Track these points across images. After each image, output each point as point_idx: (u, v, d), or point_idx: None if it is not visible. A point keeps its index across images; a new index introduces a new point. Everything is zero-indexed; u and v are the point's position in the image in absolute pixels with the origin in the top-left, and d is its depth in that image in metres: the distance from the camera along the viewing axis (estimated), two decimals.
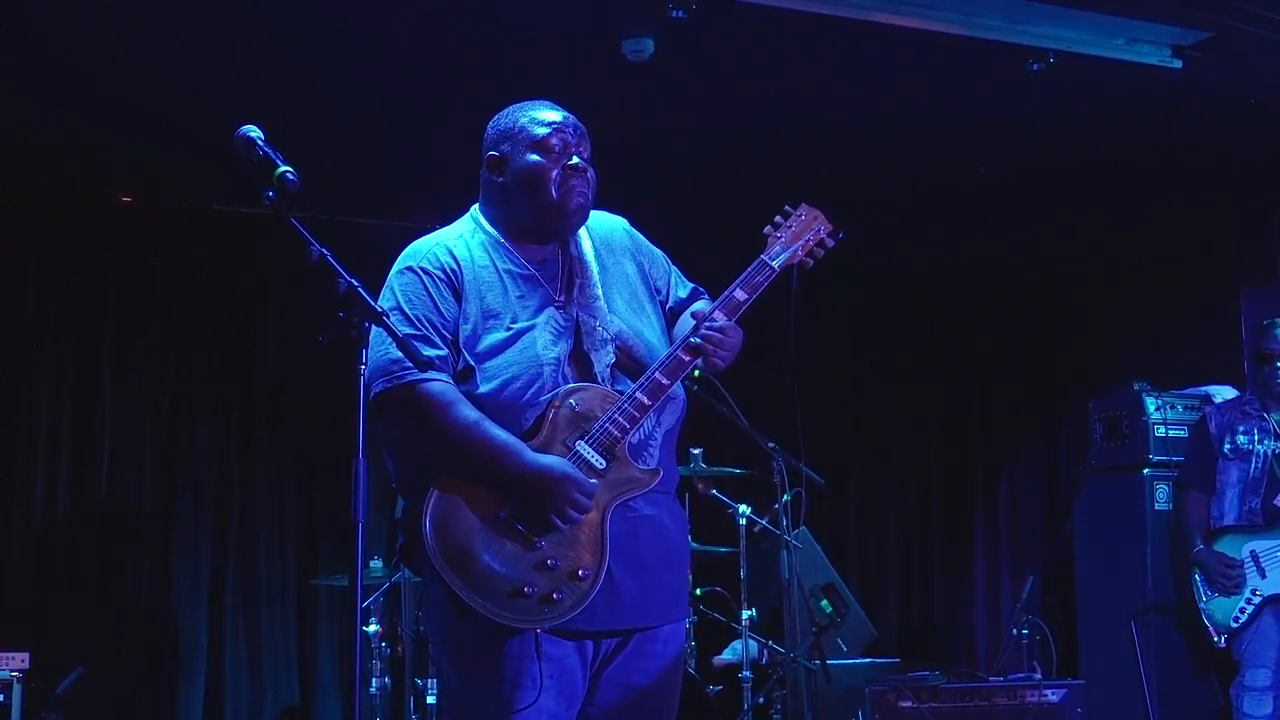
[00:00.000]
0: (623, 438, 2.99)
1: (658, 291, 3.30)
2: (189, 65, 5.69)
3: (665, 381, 3.03)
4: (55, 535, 6.91)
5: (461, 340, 3.01)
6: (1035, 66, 5.63)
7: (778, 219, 3.28)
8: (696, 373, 3.33)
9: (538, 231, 3.15)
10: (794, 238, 3.25)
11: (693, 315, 3.12)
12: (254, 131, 2.88)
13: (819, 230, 3.28)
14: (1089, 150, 6.80)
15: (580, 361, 3.05)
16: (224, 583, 7.20)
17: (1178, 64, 5.74)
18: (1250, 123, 6.39)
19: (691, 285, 3.38)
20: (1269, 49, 5.48)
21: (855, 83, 6.07)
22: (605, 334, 3.09)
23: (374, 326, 2.85)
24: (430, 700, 5.81)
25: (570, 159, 3.12)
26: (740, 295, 3.13)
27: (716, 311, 3.09)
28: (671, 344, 3.14)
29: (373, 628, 6.07)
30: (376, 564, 6.28)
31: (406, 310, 3.02)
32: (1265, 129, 6.44)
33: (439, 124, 6.29)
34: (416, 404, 2.93)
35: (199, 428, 7.27)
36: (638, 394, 3.00)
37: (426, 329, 3.00)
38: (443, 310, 3.03)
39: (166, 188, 7.17)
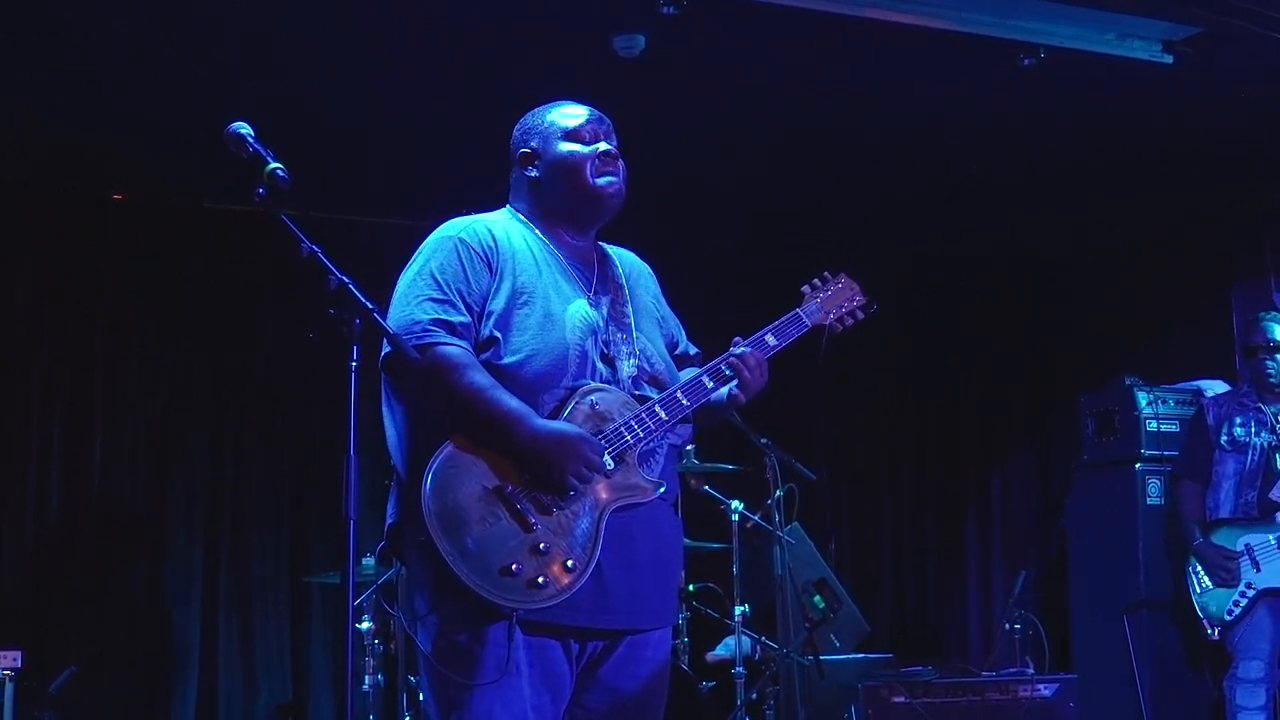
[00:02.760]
0: (635, 445, 3.02)
1: (671, 337, 3.38)
2: (179, 62, 5.68)
3: (685, 402, 3.09)
4: (48, 533, 6.90)
5: (492, 314, 3.03)
6: (1027, 62, 5.64)
7: (816, 281, 3.42)
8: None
9: (574, 219, 3.22)
10: (829, 302, 3.40)
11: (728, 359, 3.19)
12: (244, 128, 2.88)
13: (854, 301, 3.45)
14: (1080, 145, 6.81)
15: (606, 363, 3.08)
16: (217, 581, 7.18)
17: (1168, 59, 5.75)
18: (1241, 117, 6.39)
19: (697, 349, 3.45)
20: (1259, 43, 5.49)
21: (846, 79, 6.07)
22: (631, 347, 3.14)
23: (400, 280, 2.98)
24: (423, 697, 5.80)
25: (602, 146, 3.20)
26: (771, 340, 3.24)
27: (745, 348, 3.18)
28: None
29: (365, 625, 6.06)
30: (369, 561, 6.27)
31: (436, 275, 3.04)
32: (1256, 123, 6.45)
33: (430, 120, 6.29)
34: (431, 366, 2.93)
35: (191, 426, 7.26)
36: (656, 407, 3.05)
37: (452, 295, 3.02)
38: (472, 280, 3.05)
39: (157, 186, 7.16)
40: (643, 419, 3.03)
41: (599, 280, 3.21)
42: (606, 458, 2.97)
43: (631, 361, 3.12)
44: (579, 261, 3.21)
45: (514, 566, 2.85)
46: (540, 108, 3.31)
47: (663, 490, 3.08)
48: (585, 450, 2.92)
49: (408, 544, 3.01)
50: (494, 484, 2.90)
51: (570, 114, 3.25)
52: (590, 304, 3.13)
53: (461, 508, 2.86)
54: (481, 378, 2.94)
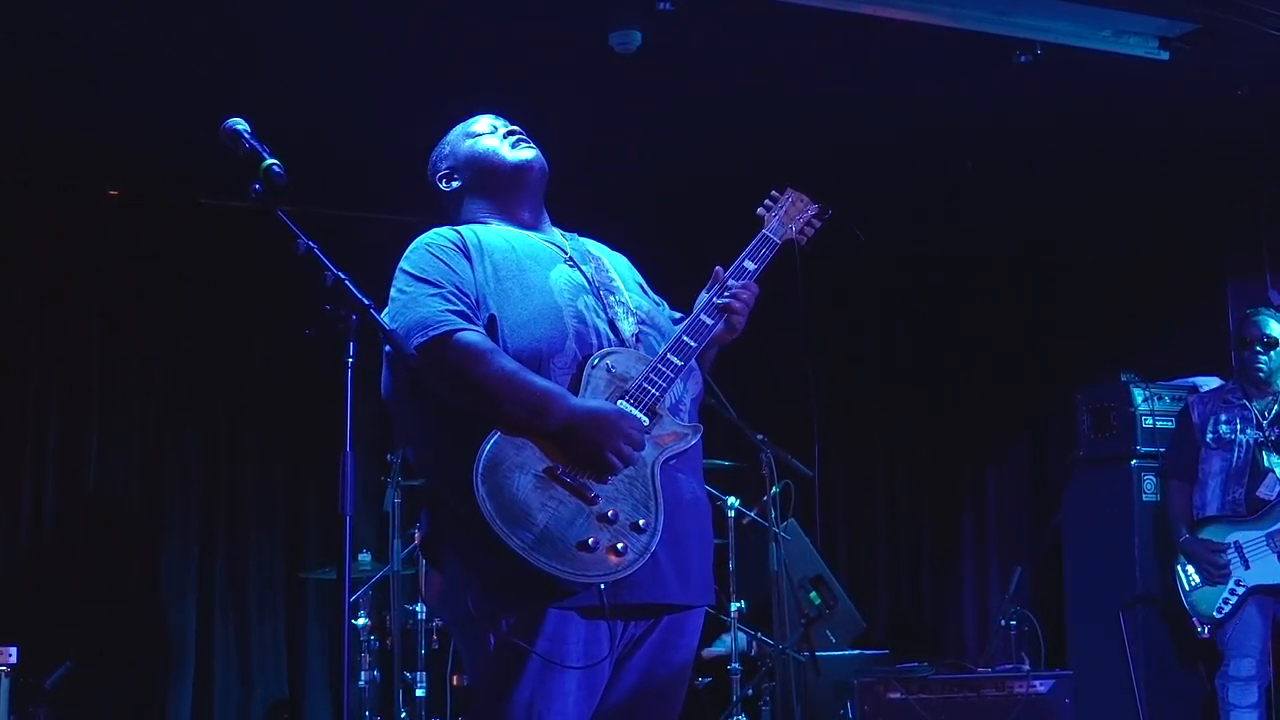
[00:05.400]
0: (661, 396, 3.02)
1: (656, 304, 3.38)
2: (177, 59, 5.67)
3: (692, 343, 3.09)
4: (45, 529, 6.90)
5: (482, 297, 3.04)
6: (1023, 58, 5.64)
7: (768, 201, 3.44)
8: None
9: (511, 198, 3.27)
10: (787, 217, 3.42)
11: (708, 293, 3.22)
12: (241, 124, 2.88)
13: (809, 210, 3.46)
14: (1076, 142, 6.81)
15: (606, 322, 3.10)
16: (212, 577, 7.18)
17: (1164, 55, 5.75)
18: (1237, 114, 6.40)
19: (681, 313, 3.47)
20: (1255, 40, 5.50)
21: (842, 75, 6.07)
22: (627, 306, 3.17)
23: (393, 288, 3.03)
24: (419, 693, 5.82)
25: (505, 128, 3.33)
26: (749, 265, 3.27)
27: (729, 279, 3.21)
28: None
29: (361, 621, 6.07)
30: (365, 557, 6.28)
31: (422, 276, 3.05)
32: (1251, 120, 6.46)
33: (427, 117, 6.25)
34: (453, 355, 2.92)
35: (186, 422, 7.26)
36: (669, 354, 3.06)
37: (446, 286, 3.03)
38: (456, 269, 3.06)
39: (154, 182, 7.15)
40: (660, 369, 3.03)
41: (573, 251, 3.24)
42: (640, 414, 2.97)
43: (631, 320, 3.14)
44: (546, 238, 3.25)
45: (590, 540, 2.84)
46: (437, 145, 3.42)
47: (700, 433, 3.09)
48: (626, 427, 2.92)
49: (448, 552, 3.00)
50: (544, 467, 2.88)
51: (465, 123, 3.38)
52: (569, 264, 3.17)
53: (521, 501, 2.84)
54: (508, 362, 2.92)
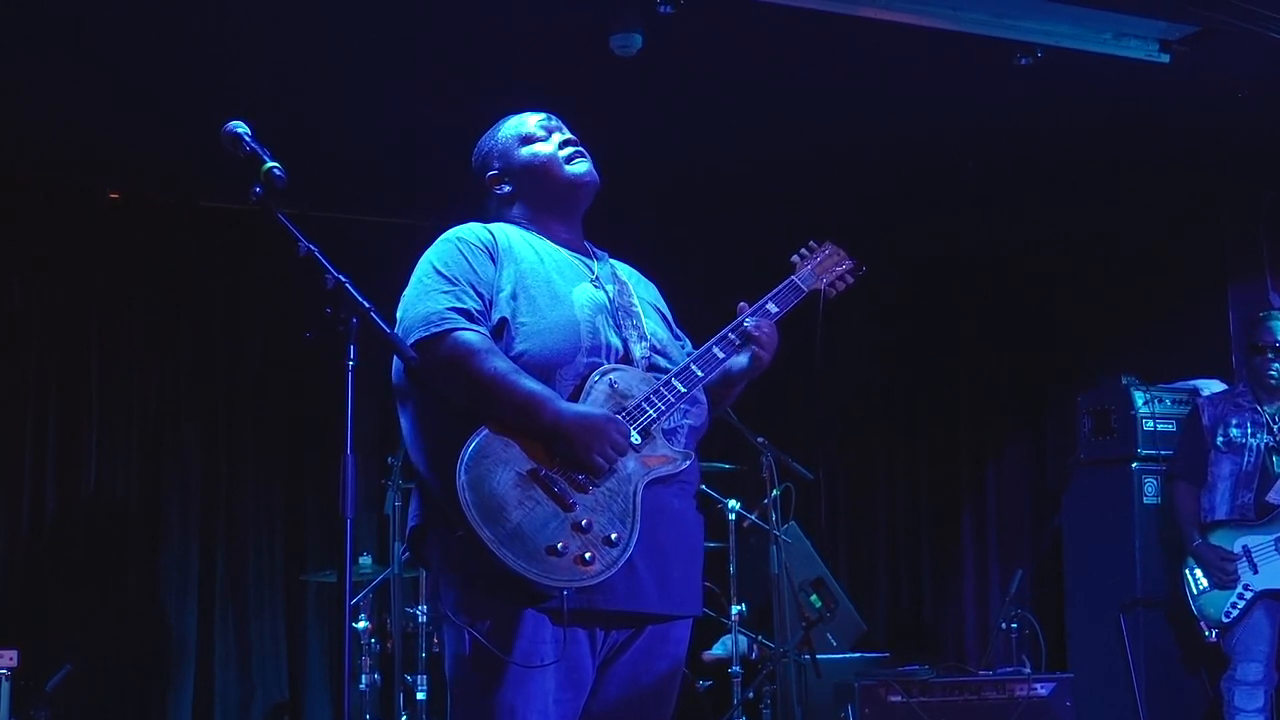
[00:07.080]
0: (658, 419, 3.03)
1: (677, 338, 3.39)
2: (178, 60, 5.67)
3: (700, 373, 3.12)
4: (44, 532, 6.90)
5: (499, 300, 3.05)
6: (1023, 61, 5.64)
7: (804, 250, 3.48)
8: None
9: (558, 209, 3.28)
10: (820, 269, 3.46)
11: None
12: (241, 127, 2.88)
13: (843, 265, 3.52)
14: (1076, 144, 6.81)
15: (619, 342, 3.11)
16: (213, 579, 7.18)
17: (1165, 58, 5.76)
18: (1237, 116, 6.40)
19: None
20: (1256, 43, 5.49)
21: (843, 78, 6.07)
22: (641, 330, 3.18)
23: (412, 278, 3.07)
24: (420, 696, 5.80)
25: (560, 137, 3.30)
26: (772, 308, 3.29)
27: (751, 318, 3.22)
28: None
29: (362, 624, 6.06)
30: (365, 560, 6.28)
31: (441, 270, 3.07)
32: (1252, 122, 6.46)
33: (427, 119, 6.28)
34: (450, 352, 2.95)
35: (186, 424, 7.26)
36: (674, 380, 3.08)
37: (462, 285, 3.05)
38: (477, 269, 3.08)
39: (154, 184, 7.15)
40: (662, 393, 3.05)
41: (600, 271, 3.25)
42: (633, 433, 2.98)
43: (643, 344, 3.15)
44: (577, 253, 3.26)
45: (560, 545, 2.85)
46: (488, 132, 3.37)
47: (692, 460, 3.09)
48: (611, 431, 2.93)
49: (431, 545, 3.02)
50: (528, 468, 2.90)
51: (518, 122, 3.34)
52: (594, 285, 3.17)
53: (499, 496, 2.86)
54: (501, 362, 2.95)
